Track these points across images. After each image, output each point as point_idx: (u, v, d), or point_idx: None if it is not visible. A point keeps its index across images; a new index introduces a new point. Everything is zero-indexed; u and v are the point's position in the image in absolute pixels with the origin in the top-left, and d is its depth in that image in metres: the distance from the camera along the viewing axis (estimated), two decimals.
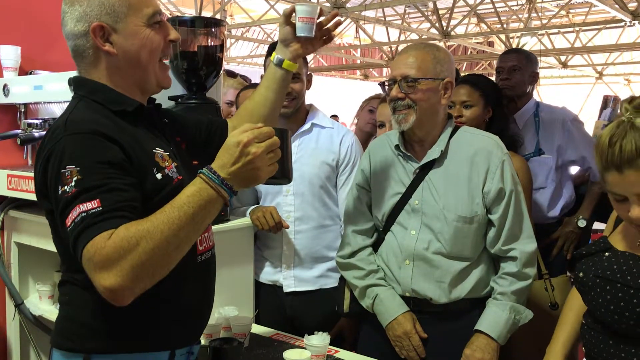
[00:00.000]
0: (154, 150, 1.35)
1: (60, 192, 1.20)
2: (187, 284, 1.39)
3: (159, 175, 1.32)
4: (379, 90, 3.70)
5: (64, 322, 1.39)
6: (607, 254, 1.44)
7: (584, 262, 1.48)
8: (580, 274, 1.47)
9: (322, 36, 1.69)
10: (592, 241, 1.57)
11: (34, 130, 2.31)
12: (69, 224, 1.18)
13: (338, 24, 1.69)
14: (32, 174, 2.12)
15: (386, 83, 1.91)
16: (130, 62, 1.36)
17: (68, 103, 1.40)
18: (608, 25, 10.87)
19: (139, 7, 1.34)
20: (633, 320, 1.34)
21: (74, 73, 1.46)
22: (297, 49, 1.66)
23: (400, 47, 12.46)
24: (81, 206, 1.17)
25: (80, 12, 1.32)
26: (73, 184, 1.19)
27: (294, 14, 1.63)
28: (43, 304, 2.41)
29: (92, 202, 1.17)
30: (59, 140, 1.25)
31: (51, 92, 2.19)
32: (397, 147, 1.95)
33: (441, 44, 9.28)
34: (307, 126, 2.36)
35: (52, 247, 1.45)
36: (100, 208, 1.17)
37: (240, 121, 1.63)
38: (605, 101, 3.47)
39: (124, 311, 1.22)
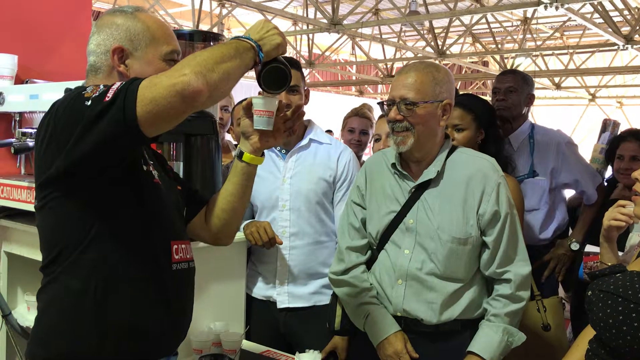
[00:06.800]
0: (141, 150, 1.47)
1: (89, 103, 1.24)
2: (161, 291, 1.42)
3: (144, 167, 1.44)
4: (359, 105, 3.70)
5: (39, 330, 1.41)
6: (618, 275, 1.45)
7: (595, 282, 1.48)
8: (589, 293, 1.47)
9: (287, 128, 1.62)
10: (608, 266, 1.58)
11: (28, 139, 2.29)
12: (109, 96, 1.23)
13: (301, 116, 1.64)
14: (24, 184, 2.13)
15: (385, 103, 1.91)
16: None
17: None
18: (601, 49, 10.98)
19: (160, 42, 1.46)
20: (630, 335, 1.33)
21: (70, 83, 1.48)
22: (256, 142, 1.58)
23: (396, 65, 12.57)
24: (117, 83, 1.26)
25: (107, 34, 1.44)
26: (101, 88, 1.26)
27: (252, 106, 1.55)
28: (31, 315, 2.38)
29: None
30: (61, 99, 1.33)
31: (47, 101, 2.17)
32: (393, 165, 1.95)
33: (435, 62, 9.34)
34: (305, 141, 2.36)
35: (41, 257, 1.44)
36: None
37: (208, 210, 1.65)
38: (605, 125, 3.49)
39: (98, 315, 1.32)
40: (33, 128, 2.34)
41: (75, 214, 1.35)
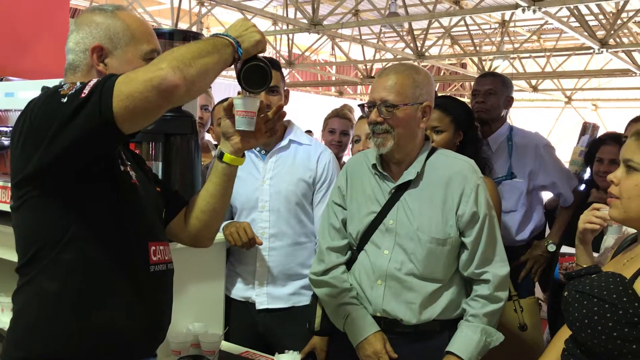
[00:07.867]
0: (119, 150, 1.46)
1: (65, 100, 1.22)
2: (138, 293, 1.40)
3: (122, 167, 1.43)
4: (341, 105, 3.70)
5: (15, 331, 1.39)
6: (594, 275, 1.47)
7: (571, 283, 1.50)
8: (565, 293, 1.49)
9: (268, 129, 1.60)
10: (584, 267, 1.61)
11: (3, 138, 2.26)
12: (86, 92, 1.20)
13: (282, 116, 1.62)
14: None
15: (365, 105, 1.92)
16: None
17: None
18: (577, 52, 11.13)
19: (140, 40, 1.44)
20: (605, 335, 1.35)
21: (47, 81, 1.46)
22: (237, 142, 1.56)
23: (376, 66, 12.59)
24: (94, 80, 1.23)
25: (86, 33, 1.42)
26: (78, 85, 1.24)
27: (234, 107, 1.54)
28: (4, 317, 2.34)
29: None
30: (37, 97, 1.31)
31: (23, 99, 2.13)
32: (374, 166, 1.96)
33: (415, 64, 9.39)
34: (284, 142, 2.35)
35: (15, 258, 1.41)
36: None
37: (187, 212, 1.63)
38: (584, 128, 3.52)
39: (76, 317, 1.31)
40: (8, 127, 2.30)
41: (51, 214, 1.33)
